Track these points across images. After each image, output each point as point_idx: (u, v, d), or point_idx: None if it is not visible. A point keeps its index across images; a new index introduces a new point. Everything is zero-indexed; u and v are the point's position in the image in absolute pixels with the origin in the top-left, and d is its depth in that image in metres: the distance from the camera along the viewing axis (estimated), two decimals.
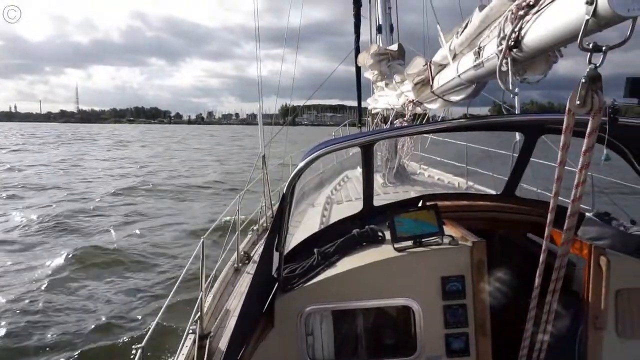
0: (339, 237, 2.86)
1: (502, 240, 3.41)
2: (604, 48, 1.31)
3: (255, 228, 6.69)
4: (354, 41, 8.72)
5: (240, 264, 5.33)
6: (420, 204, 3.49)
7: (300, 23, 8.67)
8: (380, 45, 6.40)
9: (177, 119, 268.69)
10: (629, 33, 1.27)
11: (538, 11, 1.59)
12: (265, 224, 6.85)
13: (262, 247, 3.02)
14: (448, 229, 2.81)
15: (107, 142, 62.26)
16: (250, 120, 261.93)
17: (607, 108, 1.92)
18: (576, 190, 1.65)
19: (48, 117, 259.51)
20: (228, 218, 5.99)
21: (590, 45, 1.33)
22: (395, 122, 5.03)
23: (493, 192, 5.54)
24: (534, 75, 2.06)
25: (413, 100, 3.86)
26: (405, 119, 4.44)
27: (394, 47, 5.76)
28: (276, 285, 2.57)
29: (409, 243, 2.60)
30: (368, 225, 2.94)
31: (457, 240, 2.59)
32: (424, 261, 2.52)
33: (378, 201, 3.68)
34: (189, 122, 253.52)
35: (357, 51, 8.31)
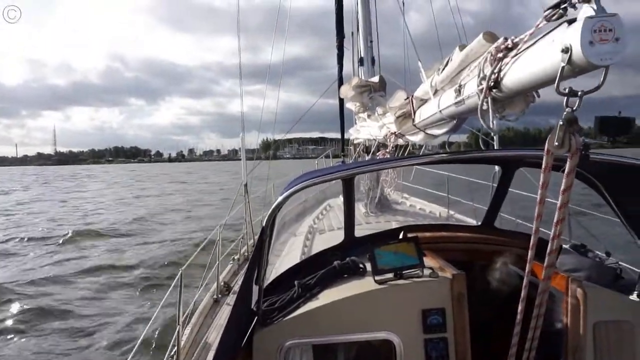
0: (320, 269, 2.83)
1: (483, 272, 3.43)
2: (579, 93, 1.37)
3: (236, 257, 6.58)
4: (337, 72, 8.89)
5: (219, 295, 5.21)
6: (401, 236, 3.51)
7: (283, 59, 8.83)
8: (362, 77, 6.54)
9: (158, 157, 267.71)
10: (602, 80, 1.33)
11: (516, 55, 1.66)
12: (246, 254, 6.75)
13: (242, 279, 2.97)
14: (428, 261, 2.82)
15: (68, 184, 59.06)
16: (232, 155, 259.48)
17: (580, 144, 1.98)
18: (556, 228, 1.68)
19: (23, 161, 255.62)
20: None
21: (567, 90, 1.38)
22: (377, 153, 5.09)
23: (474, 221, 5.61)
24: (513, 113, 2.14)
25: (395, 132, 3.92)
26: (387, 150, 4.49)
27: (376, 79, 5.88)
28: (255, 319, 2.52)
29: (390, 275, 2.59)
30: (349, 256, 2.93)
31: (437, 273, 2.59)
32: (405, 294, 2.51)
33: (360, 231, 3.67)
34: (170, 159, 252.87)
35: (340, 82, 8.48)
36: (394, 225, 4.93)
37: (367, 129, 5.57)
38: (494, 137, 5.24)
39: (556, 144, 1.46)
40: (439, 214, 6.30)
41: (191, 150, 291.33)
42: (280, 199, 2.40)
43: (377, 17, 7.21)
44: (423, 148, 4.81)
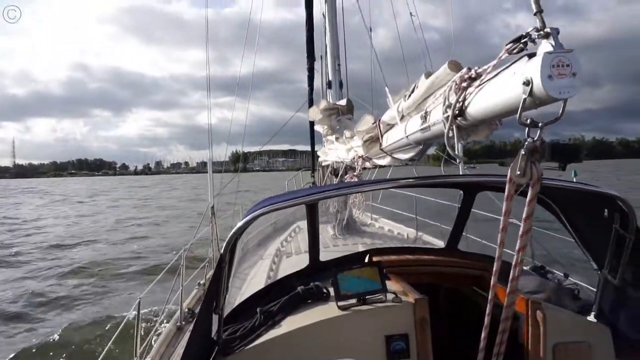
0: (284, 295, 2.80)
1: (448, 295, 3.45)
2: (540, 124, 1.41)
3: (201, 282, 6.39)
4: (308, 93, 8.97)
5: (183, 322, 5.02)
6: (366, 259, 3.51)
7: (253, 72, 8.80)
8: (330, 100, 6.60)
9: (123, 170, 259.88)
10: (561, 112, 1.37)
11: (480, 85, 1.70)
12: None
13: (199, 308, 2.87)
14: (392, 285, 2.81)
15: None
16: (200, 168, 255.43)
17: None
18: (518, 255, 1.70)
19: None
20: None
21: (528, 120, 1.42)
22: (345, 176, 5.11)
23: (441, 242, 5.68)
24: (477, 138, 2.18)
25: (362, 155, 3.95)
26: (355, 173, 4.51)
27: (343, 102, 5.95)
28: (216, 349, 2.43)
29: (353, 301, 2.57)
30: (314, 281, 2.91)
31: (400, 297, 2.59)
32: (368, 320, 2.49)
33: (327, 253, 3.64)
34: (135, 172, 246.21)
35: (310, 103, 8.55)
36: (361, 248, 4.92)
37: (335, 152, 5.59)
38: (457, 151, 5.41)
39: (518, 172, 1.49)
40: (406, 235, 6.35)
41: (158, 163, 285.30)
42: (240, 223, 2.35)
43: (345, 41, 7.37)
44: (391, 169, 4.87)
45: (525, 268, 3.28)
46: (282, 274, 3.87)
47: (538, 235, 5.35)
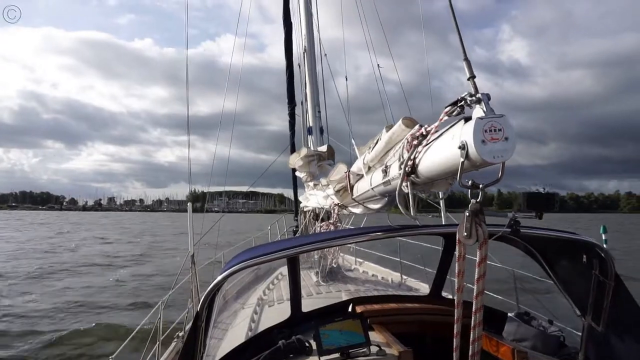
0: (266, 348, 2.74)
1: (434, 344, 3.37)
2: (480, 186, 1.41)
3: (180, 335, 6.19)
4: (289, 137, 9.06)
5: None
6: (350, 309, 3.44)
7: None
8: (311, 146, 6.67)
9: (71, 205, 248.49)
10: (500, 174, 1.38)
11: (427, 144, 1.71)
12: None
13: None
14: (376, 336, 2.76)
15: None
16: (156, 206, 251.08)
17: (510, 219, 2.03)
18: (476, 300, 1.65)
19: None
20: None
21: (470, 182, 1.42)
22: (323, 223, 5.08)
23: (426, 285, 5.60)
24: (437, 192, 2.18)
25: (338, 203, 3.94)
26: (331, 221, 4.50)
27: (324, 148, 6.01)
28: None
29: (336, 355, 2.52)
30: (295, 334, 2.86)
31: (384, 350, 2.55)
32: None
33: (310, 301, 3.56)
34: (84, 208, 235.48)
35: (292, 149, 8.62)
36: (344, 295, 4.84)
37: (315, 198, 5.59)
38: (440, 203, 5.43)
39: (465, 234, 1.48)
40: (390, 280, 6.26)
41: (111, 199, 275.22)
42: (218, 279, 2.31)
43: (324, 89, 7.53)
44: (366, 216, 4.85)
45: (510, 314, 3.25)
46: (263, 324, 3.79)
47: (523, 280, 5.31)
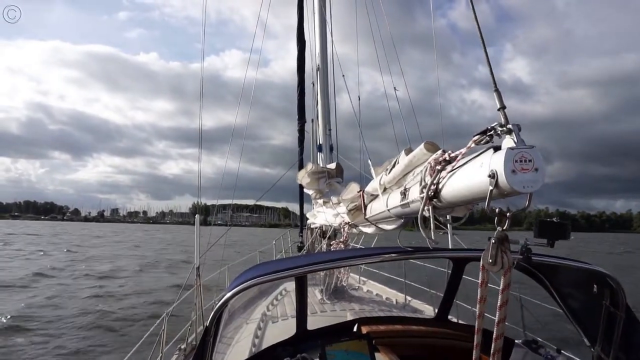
0: None
1: None
2: (508, 214, 1.44)
3: (182, 347, 6.14)
4: (298, 154, 9.10)
5: None
6: (355, 328, 3.42)
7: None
8: (320, 163, 6.71)
9: (74, 215, 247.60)
10: (527, 203, 1.40)
11: (452, 170, 1.74)
12: (194, 342, 6.32)
13: None
14: (382, 357, 2.75)
15: None
16: (160, 218, 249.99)
17: (521, 247, 2.05)
18: (497, 327, 1.66)
19: None
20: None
21: (497, 210, 1.45)
22: (332, 242, 5.09)
23: (430, 307, 5.57)
24: (456, 216, 2.21)
25: (348, 222, 3.95)
26: (341, 240, 4.50)
27: (332, 165, 6.05)
28: None
29: None
30: (300, 352, 2.83)
31: None
32: None
33: (314, 319, 3.54)
34: (86, 219, 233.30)
35: (301, 163, 8.67)
36: (349, 314, 4.82)
37: (323, 215, 5.60)
38: (449, 226, 5.45)
39: (490, 261, 1.49)
40: (395, 301, 6.23)
41: (114, 210, 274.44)
42: (227, 295, 2.32)
43: (336, 107, 7.61)
44: (377, 236, 4.86)
45: (517, 341, 3.22)
46: (267, 341, 3.77)
47: (531, 307, 5.28)
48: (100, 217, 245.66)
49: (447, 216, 2.44)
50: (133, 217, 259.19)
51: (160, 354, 4.89)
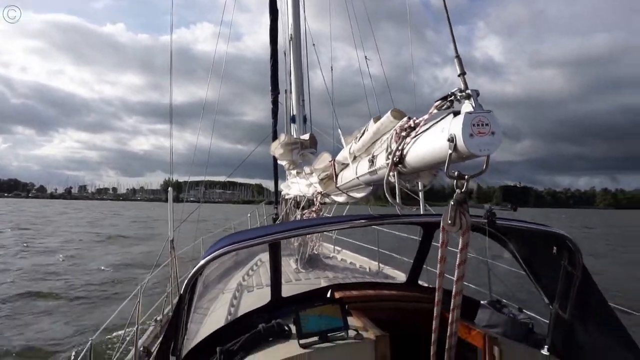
0: (245, 332, 2.76)
1: (410, 330, 3.49)
2: (466, 177, 1.49)
3: (158, 319, 6.19)
4: (272, 125, 9.04)
5: None
6: (329, 295, 3.52)
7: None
8: (293, 134, 6.69)
9: (40, 193, 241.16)
10: (485, 166, 1.46)
11: (415, 136, 1.79)
12: (170, 314, 6.38)
13: (156, 350, 2.81)
14: (354, 321, 2.84)
15: None
16: (130, 195, 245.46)
17: (486, 211, 2.14)
18: (456, 284, 1.74)
19: None
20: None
21: (456, 173, 1.50)
22: (305, 210, 5.15)
23: (403, 274, 5.75)
24: (421, 183, 2.27)
25: (321, 192, 4.00)
26: (313, 209, 4.56)
27: (306, 136, 6.04)
28: None
29: (315, 339, 2.58)
30: (275, 318, 2.90)
31: (361, 334, 2.62)
32: (330, 357, 2.51)
33: (289, 288, 3.61)
34: (52, 196, 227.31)
35: (275, 135, 8.63)
36: (323, 282, 4.93)
37: (296, 186, 5.64)
38: (420, 194, 5.57)
39: (449, 222, 1.56)
40: (368, 268, 6.39)
41: (83, 187, 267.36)
42: (201, 263, 2.35)
43: (309, 78, 7.54)
44: (348, 205, 4.94)
45: (482, 302, 3.38)
46: (243, 309, 3.84)
47: (497, 270, 5.51)
48: (67, 194, 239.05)
49: (419, 185, 2.51)
50: (102, 194, 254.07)
51: (136, 326, 4.92)
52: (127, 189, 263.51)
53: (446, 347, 1.95)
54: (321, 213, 4.97)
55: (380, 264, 6.55)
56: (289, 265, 6.03)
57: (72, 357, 7.08)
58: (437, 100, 1.60)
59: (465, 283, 1.89)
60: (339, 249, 7.81)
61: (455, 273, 1.71)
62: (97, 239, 28.32)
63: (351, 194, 3.29)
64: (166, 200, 6.29)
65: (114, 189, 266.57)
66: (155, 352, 4.86)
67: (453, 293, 1.74)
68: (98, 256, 20.29)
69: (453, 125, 1.43)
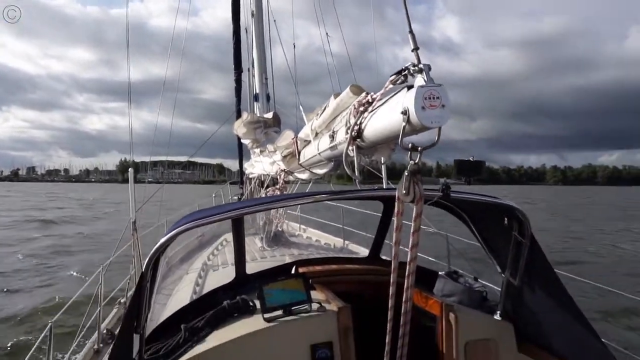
0: (210, 310, 2.79)
1: (372, 302, 3.62)
2: (419, 148, 1.56)
3: (122, 301, 6.10)
4: (235, 104, 8.91)
5: (101, 345, 4.76)
6: (293, 270, 3.58)
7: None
8: (257, 113, 6.63)
9: None
10: (437, 138, 1.53)
11: (372, 111, 1.84)
12: None
13: (119, 329, 2.79)
14: (317, 295, 2.90)
15: None
16: (83, 177, 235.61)
17: (442, 185, 2.23)
18: (411, 252, 1.82)
19: None
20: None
21: (410, 145, 1.57)
22: (269, 188, 5.16)
23: (367, 250, 5.90)
24: (380, 158, 2.34)
25: (284, 169, 4.03)
26: (277, 186, 4.58)
27: (269, 115, 6.01)
28: None
29: (279, 312, 2.63)
30: (240, 294, 2.93)
31: (324, 307, 2.68)
32: (294, 330, 2.56)
33: (254, 265, 3.65)
34: None
35: (238, 114, 8.52)
36: (288, 259, 4.99)
37: (260, 164, 5.63)
38: (382, 168, 5.68)
39: (404, 192, 1.63)
40: (333, 245, 6.50)
41: (31, 169, 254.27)
42: (163, 240, 2.33)
43: (272, 56, 7.44)
44: (311, 183, 5.00)
45: (441, 273, 3.52)
46: (208, 288, 3.84)
47: (454, 242, 5.74)
48: (13, 176, 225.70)
49: (381, 160, 2.57)
50: (53, 175, 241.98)
51: (99, 307, 4.84)
52: (80, 170, 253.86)
53: (402, 311, 2.05)
54: (285, 191, 5.01)
55: (345, 241, 6.67)
56: (254, 243, 6.06)
57: (31, 340, 6.93)
58: (392, 75, 1.65)
59: (424, 256, 1.98)
60: (305, 227, 7.89)
61: (410, 240, 1.79)
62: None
63: (314, 170, 3.33)
64: (123, 182, 6.15)
65: (66, 170, 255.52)
66: (117, 332, 4.81)
67: (408, 259, 1.83)
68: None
69: (406, 99, 1.49)
